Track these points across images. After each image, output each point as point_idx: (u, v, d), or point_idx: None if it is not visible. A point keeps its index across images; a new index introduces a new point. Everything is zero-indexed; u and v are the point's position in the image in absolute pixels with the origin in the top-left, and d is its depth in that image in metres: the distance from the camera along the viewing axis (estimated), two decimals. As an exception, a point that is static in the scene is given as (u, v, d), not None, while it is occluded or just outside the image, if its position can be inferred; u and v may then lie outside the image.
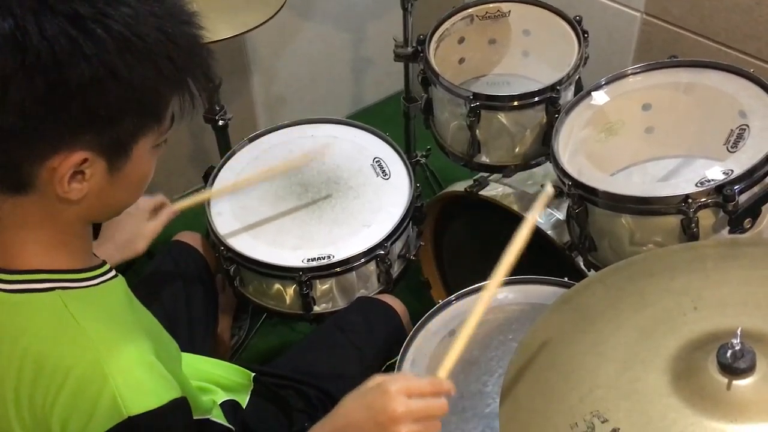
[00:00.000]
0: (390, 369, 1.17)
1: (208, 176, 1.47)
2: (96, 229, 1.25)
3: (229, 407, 1.17)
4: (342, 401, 0.90)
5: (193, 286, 1.40)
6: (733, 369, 0.75)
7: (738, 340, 0.75)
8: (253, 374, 1.23)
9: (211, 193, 1.40)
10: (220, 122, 1.74)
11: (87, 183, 0.76)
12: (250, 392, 1.23)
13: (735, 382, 0.75)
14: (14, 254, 0.80)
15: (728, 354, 0.75)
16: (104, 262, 0.88)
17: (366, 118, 2.40)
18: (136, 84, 0.72)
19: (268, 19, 1.48)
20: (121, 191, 0.81)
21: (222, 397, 1.18)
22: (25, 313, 0.79)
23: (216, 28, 1.46)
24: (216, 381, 1.21)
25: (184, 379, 0.91)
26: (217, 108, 1.74)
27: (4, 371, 0.78)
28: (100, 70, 0.69)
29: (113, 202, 0.83)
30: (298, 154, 1.45)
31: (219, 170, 1.48)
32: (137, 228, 1.22)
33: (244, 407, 1.19)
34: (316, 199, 1.42)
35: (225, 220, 1.39)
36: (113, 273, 0.87)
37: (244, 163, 1.49)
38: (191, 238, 1.46)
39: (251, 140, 1.54)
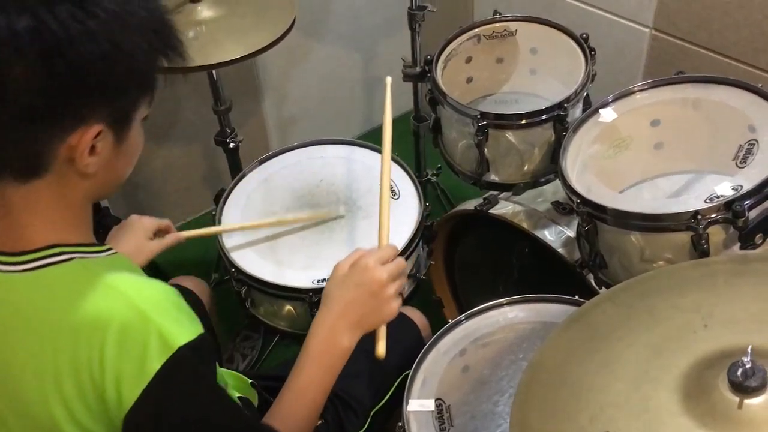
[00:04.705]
0: (403, 383, 1.16)
1: (219, 198, 1.48)
2: (102, 238, 1.28)
3: (244, 404, 1.18)
4: (326, 294, 1.04)
5: None
6: (744, 387, 0.74)
7: (749, 359, 0.74)
8: (250, 381, 1.24)
9: (219, 230, 1.41)
10: (231, 145, 1.76)
11: (98, 156, 0.82)
12: (257, 395, 1.23)
13: (746, 401, 0.74)
14: (26, 236, 0.83)
15: (739, 372, 0.74)
16: (104, 243, 0.91)
17: (377, 138, 2.41)
18: (136, 55, 0.79)
19: (278, 40, 1.50)
20: (123, 162, 0.87)
21: (235, 394, 1.19)
22: (49, 287, 0.81)
23: (226, 49, 1.48)
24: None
25: None
26: (228, 131, 1.76)
27: (36, 350, 0.80)
28: (106, 45, 0.76)
29: (116, 175, 0.88)
30: (311, 213, 1.45)
31: (229, 193, 1.49)
32: (140, 243, 1.27)
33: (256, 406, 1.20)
34: (325, 220, 1.43)
35: (235, 240, 1.40)
36: (114, 250, 0.90)
37: (254, 185, 1.50)
38: (188, 282, 1.47)
39: (261, 162, 1.55)
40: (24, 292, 0.82)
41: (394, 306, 1.03)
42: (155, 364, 0.79)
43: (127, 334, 0.79)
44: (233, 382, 1.24)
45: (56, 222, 0.84)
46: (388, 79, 1.27)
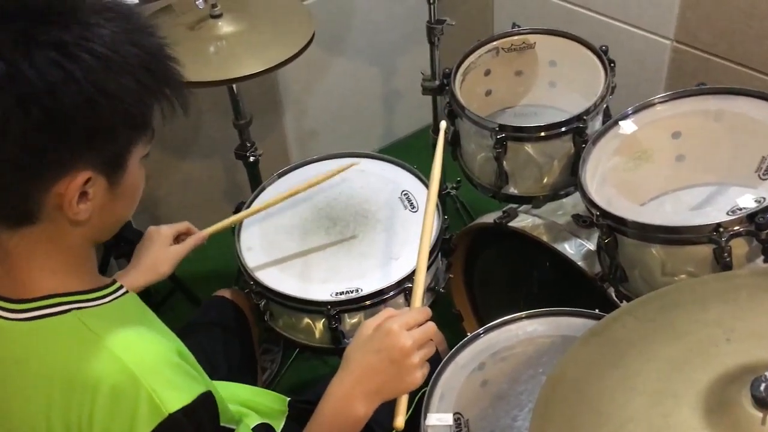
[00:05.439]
0: (420, 402, 1.16)
1: (238, 212, 1.48)
2: (128, 256, 1.29)
3: (263, 429, 1.18)
4: (346, 355, 0.97)
5: (231, 333, 1.42)
6: (767, 403, 0.73)
7: (772, 373, 0.73)
8: (288, 399, 1.24)
9: (239, 217, 1.41)
10: (251, 158, 1.78)
11: (91, 202, 0.79)
12: (285, 418, 1.23)
13: (770, 417, 0.73)
14: (25, 284, 0.82)
15: (762, 387, 0.73)
16: (114, 281, 0.89)
17: (397, 151, 2.42)
18: (124, 98, 0.76)
19: (297, 54, 1.51)
20: (121, 205, 0.84)
21: (256, 420, 1.19)
22: (46, 339, 0.80)
23: (246, 64, 1.49)
24: (251, 406, 1.22)
25: (209, 382, 0.92)
26: (248, 145, 1.77)
27: (31, 400, 0.80)
28: (90, 90, 0.73)
29: (114, 218, 0.86)
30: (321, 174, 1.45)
31: (249, 206, 1.49)
32: (161, 252, 1.27)
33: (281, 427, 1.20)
34: (344, 233, 1.43)
35: (254, 255, 1.40)
36: (124, 290, 0.89)
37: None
38: (231, 295, 1.48)
39: (280, 175, 1.56)
40: (22, 341, 0.81)
41: (418, 375, 0.95)
42: (144, 430, 0.77)
43: (117, 398, 0.77)
44: (265, 401, 1.24)
45: (53, 269, 0.82)
46: (443, 124, 1.24)
